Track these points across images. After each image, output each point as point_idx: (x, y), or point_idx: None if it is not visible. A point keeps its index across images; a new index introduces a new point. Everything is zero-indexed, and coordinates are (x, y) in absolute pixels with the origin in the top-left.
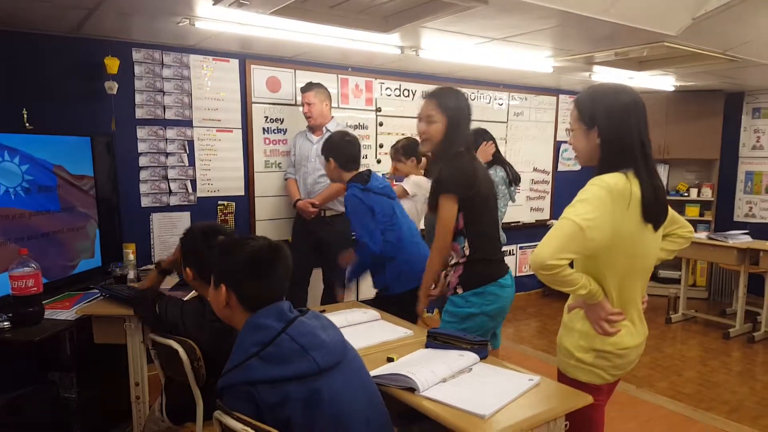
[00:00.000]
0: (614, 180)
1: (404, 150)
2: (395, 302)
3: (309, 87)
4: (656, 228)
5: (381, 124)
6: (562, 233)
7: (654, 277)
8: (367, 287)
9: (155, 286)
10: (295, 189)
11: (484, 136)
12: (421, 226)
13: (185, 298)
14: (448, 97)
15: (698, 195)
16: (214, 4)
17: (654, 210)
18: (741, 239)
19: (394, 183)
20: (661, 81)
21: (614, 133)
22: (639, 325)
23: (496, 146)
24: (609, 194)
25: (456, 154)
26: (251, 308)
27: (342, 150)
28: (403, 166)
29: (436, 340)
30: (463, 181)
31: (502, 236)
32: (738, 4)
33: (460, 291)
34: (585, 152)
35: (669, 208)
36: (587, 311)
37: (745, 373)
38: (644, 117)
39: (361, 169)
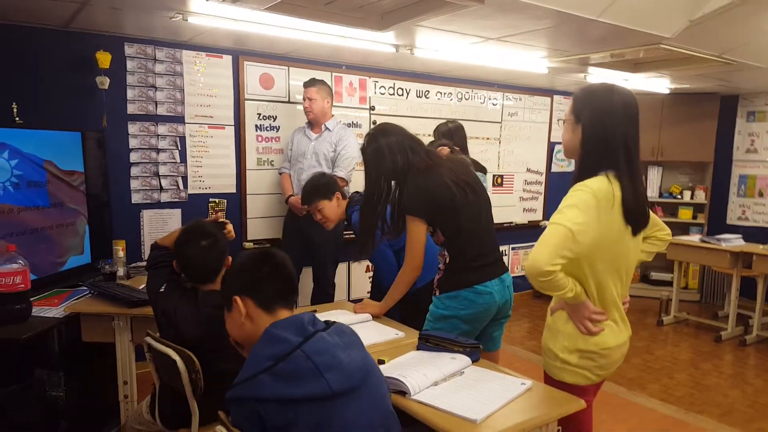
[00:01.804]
0: (598, 184)
1: (443, 136)
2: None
3: (312, 83)
4: (635, 232)
5: (375, 123)
6: (555, 239)
7: (646, 280)
8: (359, 287)
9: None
10: (289, 184)
11: (442, 138)
12: None
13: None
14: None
15: (692, 197)
16: (207, 0)
17: (634, 214)
18: (734, 242)
19: None
20: (657, 83)
21: (597, 133)
22: (621, 325)
23: (459, 146)
24: (595, 199)
25: (419, 171)
26: (271, 308)
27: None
28: None
29: (428, 343)
30: (419, 201)
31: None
32: (735, 7)
33: (437, 293)
34: (568, 145)
35: (650, 211)
36: (571, 312)
37: (737, 377)
38: (633, 121)
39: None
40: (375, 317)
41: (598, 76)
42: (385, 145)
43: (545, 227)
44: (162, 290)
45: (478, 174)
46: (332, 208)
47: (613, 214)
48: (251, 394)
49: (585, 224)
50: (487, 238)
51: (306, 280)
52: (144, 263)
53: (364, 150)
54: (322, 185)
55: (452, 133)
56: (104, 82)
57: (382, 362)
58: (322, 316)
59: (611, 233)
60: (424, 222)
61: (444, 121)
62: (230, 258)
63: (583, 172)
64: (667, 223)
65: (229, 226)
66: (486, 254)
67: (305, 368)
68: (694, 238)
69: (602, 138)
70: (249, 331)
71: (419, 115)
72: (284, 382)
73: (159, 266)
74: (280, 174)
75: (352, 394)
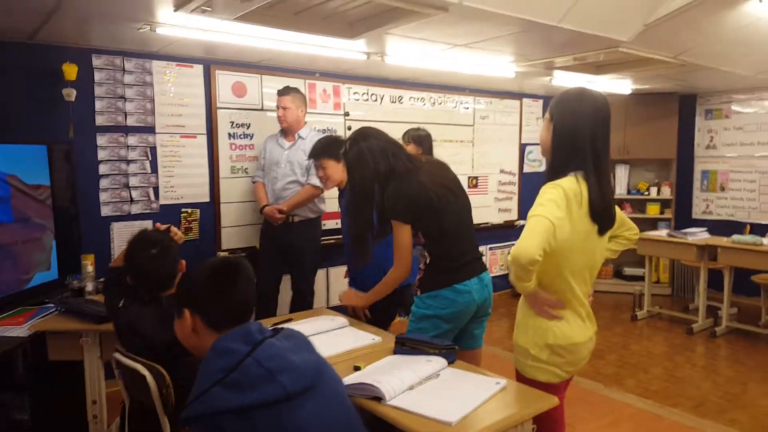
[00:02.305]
0: (568, 184)
1: (413, 140)
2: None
3: (286, 91)
4: (601, 232)
5: (350, 128)
6: (540, 229)
7: (619, 275)
8: (339, 293)
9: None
10: (263, 193)
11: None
12: None
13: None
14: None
15: (658, 194)
16: (175, 10)
17: (600, 214)
18: (699, 236)
19: None
20: (619, 84)
21: (565, 133)
22: (588, 321)
23: (427, 152)
24: (566, 198)
25: (400, 175)
26: (218, 328)
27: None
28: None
29: (404, 346)
30: (400, 204)
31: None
32: (686, 12)
33: (418, 293)
34: (543, 143)
35: (618, 211)
36: (533, 303)
37: (709, 368)
38: (602, 124)
39: None
40: (355, 312)
41: (563, 79)
42: (366, 149)
43: (521, 227)
44: (121, 306)
45: None
46: (336, 170)
47: (581, 213)
48: (206, 409)
49: (562, 219)
50: (467, 238)
51: (284, 288)
52: None
53: (346, 154)
54: (333, 143)
55: (422, 139)
56: (71, 94)
57: (358, 368)
58: (300, 323)
59: (580, 232)
60: (408, 225)
61: (416, 126)
62: (183, 261)
63: (552, 171)
64: (635, 219)
65: (175, 229)
66: (465, 254)
67: (257, 374)
68: (662, 233)
69: (570, 138)
70: (195, 343)
71: (393, 120)
72: (237, 391)
73: (114, 285)
74: (254, 183)
75: (309, 394)
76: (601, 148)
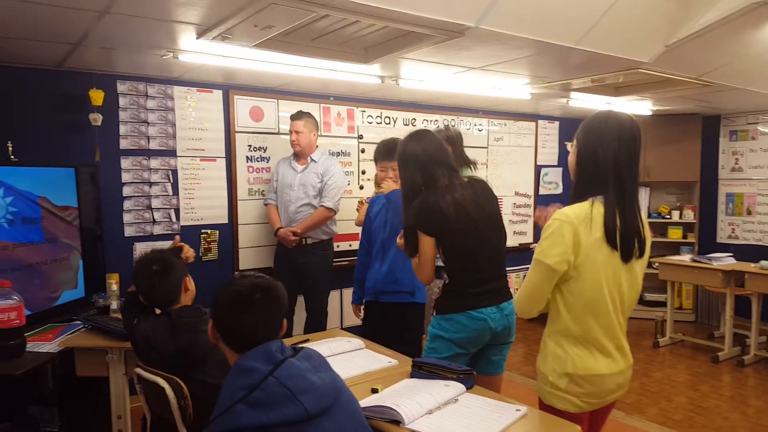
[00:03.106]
0: (574, 211)
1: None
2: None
3: (299, 116)
4: (625, 259)
5: (363, 151)
6: (537, 281)
7: (640, 300)
8: (352, 314)
9: None
10: (276, 216)
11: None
12: None
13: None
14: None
15: (680, 217)
16: (197, 38)
17: (619, 238)
18: (725, 261)
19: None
20: (639, 106)
21: (588, 155)
22: (617, 354)
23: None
24: (567, 224)
25: (434, 188)
26: (235, 347)
27: None
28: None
29: (421, 370)
30: (423, 216)
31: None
32: (710, 32)
33: (434, 313)
34: (570, 167)
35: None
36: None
37: (737, 398)
38: (627, 148)
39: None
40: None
41: (580, 100)
42: (411, 156)
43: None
44: (135, 323)
45: None
46: None
47: (593, 240)
48: (229, 426)
49: (561, 254)
50: (490, 265)
51: (298, 309)
52: None
53: (397, 152)
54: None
55: (453, 139)
56: (97, 119)
57: (375, 391)
58: (316, 344)
59: (595, 259)
60: (429, 237)
61: (444, 125)
62: (189, 279)
63: (575, 195)
64: (657, 243)
65: (187, 248)
66: (485, 281)
67: (279, 394)
68: (685, 258)
69: (592, 162)
70: (223, 349)
71: None
72: (260, 409)
73: (130, 305)
74: (266, 205)
75: (327, 414)
76: (626, 171)
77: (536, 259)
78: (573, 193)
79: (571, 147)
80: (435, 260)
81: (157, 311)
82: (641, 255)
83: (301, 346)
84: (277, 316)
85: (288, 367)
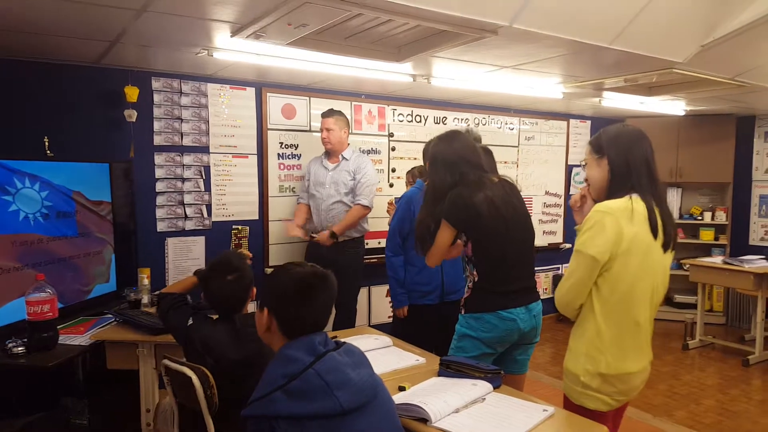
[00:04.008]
0: (615, 204)
1: (421, 175)
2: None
3: (330, 113)
4: (666, 247)
5: (393, 149)
6: (579, 271)
7: (669, 302)
8: (380, 312)
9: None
10: (303, 214)
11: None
12: None
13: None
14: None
15: (712, 219)
16: (232, 36)
17: (660, 226)
18: (757, 264)
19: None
20: (672, 106)
21: (622, 157)
22: (645, 349)
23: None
24: (609, 215)
25: (467, 183)
26: (290, 335)
27: None
28: None
29: (449, 369)
30: (456, 209)
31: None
32: (746, 32)
33: (463, 311)
34: (597, 180)
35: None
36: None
37: (767, 403)
38: (650, 147)
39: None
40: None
41: (612, 100)
42: (440, 155)
43: (566, 250)
44: (190, 323)
45: None
46: None
47: (634, 224)
48: (266, 411)
49: (603, 244)
50: (521, 265)
51: None
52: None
53: (426, 149)
54: None
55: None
56: (132, 115)
57: (403, 389)
58: (345, 341)
59: (638, 249)
60: (452, 229)
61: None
62: (255, 289)
63: (611, 196)
64: (688, 244)
65: (246, 253)
66: (515, 280)
67: (317, 386)
68: (716, 260)
69: (627, 159)
70: (267, 338)
71: None
72: (297, 400)
73: (177, 307)
74: (298, 203)
75: (361, 411)
76: (655, 170)
77: (578, 251)
78: (609, 196)
79: (588, 164)
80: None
81: (214, 316)
82: (674, 247)
83: (343, 341)
84: (332, 305)
85: (328, 361)
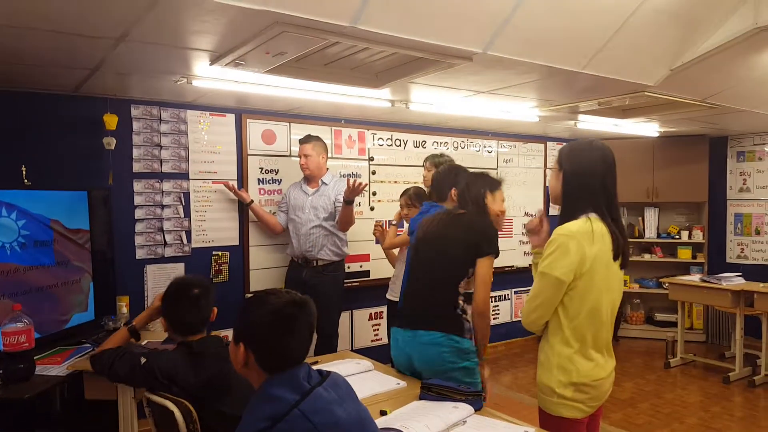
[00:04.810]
0: (576, 226)
1: (417, 196)
2: None
3: (307, 139)
4: (624, 264)
5: (374, 173)
6: (545, 292)
7: (650, 321)
8: (363, 336)
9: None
10: (273, 219)
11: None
12: None
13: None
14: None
15: (689, 237)
16: (211, 64)
17: (621, 247)
18: (734, 281)
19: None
20: (646, 128)
21: (577, 178)
22: (607, 356)
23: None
24: (572, 238)
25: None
26: (270, 370)
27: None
28: (416, 211)
29: (430, 392)
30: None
31: None
32: (714, 55)
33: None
34: (553, 191)
35: None
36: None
37: (748, 419)
38: (610, 168)
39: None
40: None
41: (588, 123)
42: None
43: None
44: (144, 361)
45: None
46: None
47: (595, 245)
48: None
49: (568, 266)
50: (417, 291)
51: None
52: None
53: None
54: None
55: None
56: (111, 142)
57: (384, 413)
58: (326, 366)
59: (598, 269)
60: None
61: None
62: (216, 309)
63: (565, 213)
64: (666, 263)
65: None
66: (410, 302)
67: (303, 428)
68: (694, 278)
69: (582, 181)
70: (245, 373)
71: (417, 164)
72: None
73: (119, 356)
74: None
75: None
76: (612, 190)
77: (544, 273)
78: (563, 213)
79: (552, 172)
80: None
81: (169, 347)
82: (628, 263)
83: (328, 371)
84: (312, 333)
85: (315, 399)
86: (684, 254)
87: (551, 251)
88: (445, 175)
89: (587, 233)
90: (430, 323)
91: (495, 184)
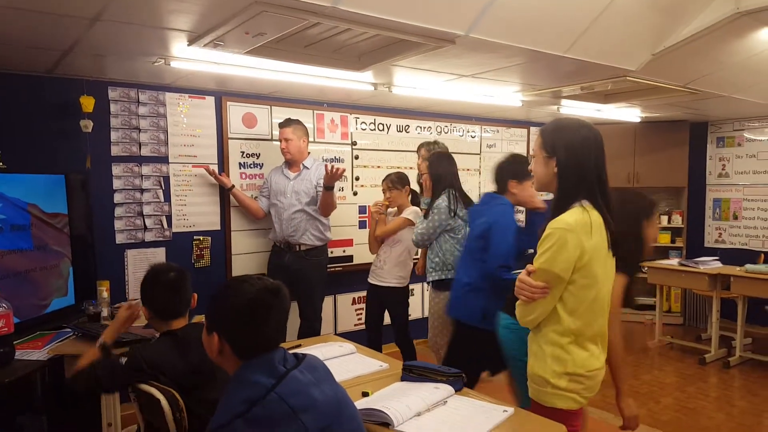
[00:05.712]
0: (572, 217)
1: (399, 180)
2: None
3: (287, 123)
4: (615, 252)
5: (357, 158)
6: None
7: (630, 304)
8: (346, 320)
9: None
10: (254, 204)
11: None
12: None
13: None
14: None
15: (669, 222)
16: (189, 45)
17: (614, 237)
18: (711, 265)
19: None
20: (628, 113)
21: (572, 165)
22: (602, 347)
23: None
24: (570, 233)
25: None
26: (246, 357)
27: None
28: (399, 194)
29: (412, 373)
30: None
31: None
32: (695, 41)
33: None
34: (542, 178)
35: None
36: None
37: (722, 399)
38: (602, 152)
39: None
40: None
41: (570, 107)
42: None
43: (529, 254)
44: (126, 361)
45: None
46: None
47: (593, 237)
48: None
49: (566, 261)
50: None
51: (292, 315)
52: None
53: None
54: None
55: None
56: (88, 125)
57: (366, 394)
58: (308, 349)
59: (597, 260)
60: None
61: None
62: (195, 295)
63: (561, 202)
64: None
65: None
66: None
67: (280, 411)
68: (673, 262)
69: (579, 168)
70: (219, 361)
71: (400, 149)
72: (258, 427)
73: (101, 367)
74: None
75: (327, 430)
76: (604, 174)
77: (542, 269)
78: (558, 202)
79: (536, 158)
80: None
81: (150, 332)
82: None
83: (303, 354)
84: (287, 318)
85: (291, 382)
86: (663, 239)
87: (549, 246)
88: (507, 165)
89: (585, 225)
90: None
91: None
